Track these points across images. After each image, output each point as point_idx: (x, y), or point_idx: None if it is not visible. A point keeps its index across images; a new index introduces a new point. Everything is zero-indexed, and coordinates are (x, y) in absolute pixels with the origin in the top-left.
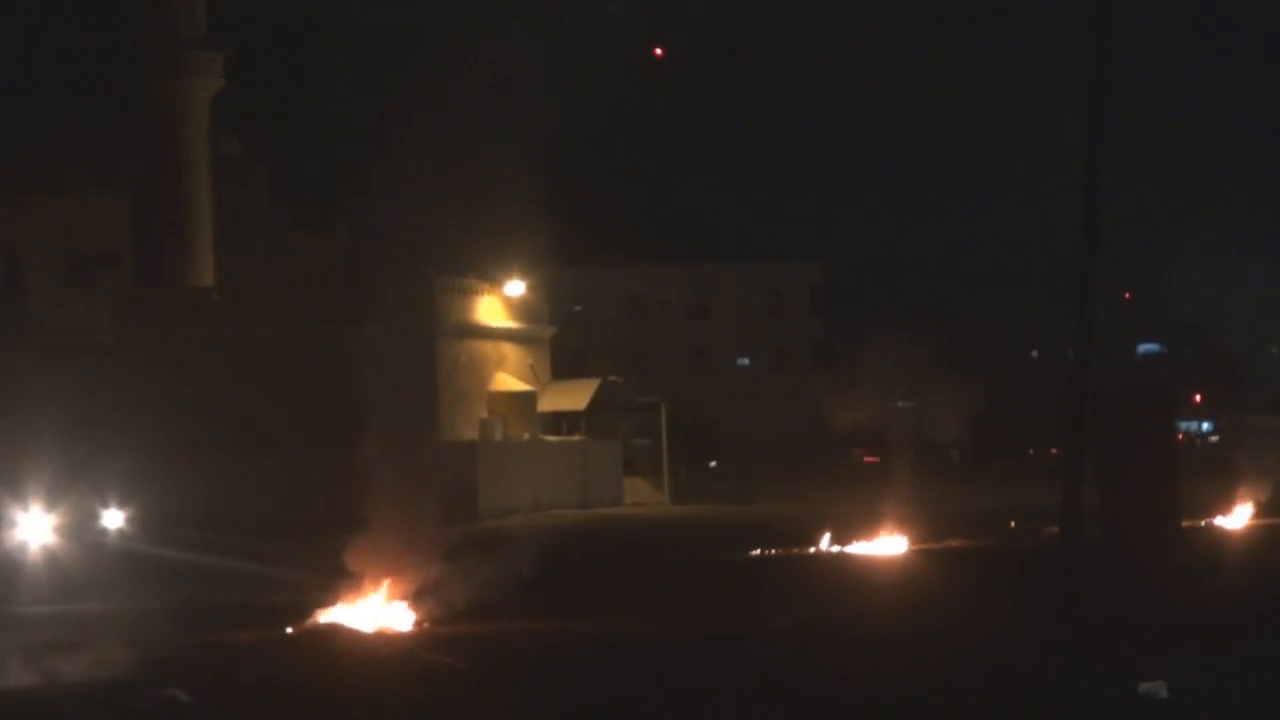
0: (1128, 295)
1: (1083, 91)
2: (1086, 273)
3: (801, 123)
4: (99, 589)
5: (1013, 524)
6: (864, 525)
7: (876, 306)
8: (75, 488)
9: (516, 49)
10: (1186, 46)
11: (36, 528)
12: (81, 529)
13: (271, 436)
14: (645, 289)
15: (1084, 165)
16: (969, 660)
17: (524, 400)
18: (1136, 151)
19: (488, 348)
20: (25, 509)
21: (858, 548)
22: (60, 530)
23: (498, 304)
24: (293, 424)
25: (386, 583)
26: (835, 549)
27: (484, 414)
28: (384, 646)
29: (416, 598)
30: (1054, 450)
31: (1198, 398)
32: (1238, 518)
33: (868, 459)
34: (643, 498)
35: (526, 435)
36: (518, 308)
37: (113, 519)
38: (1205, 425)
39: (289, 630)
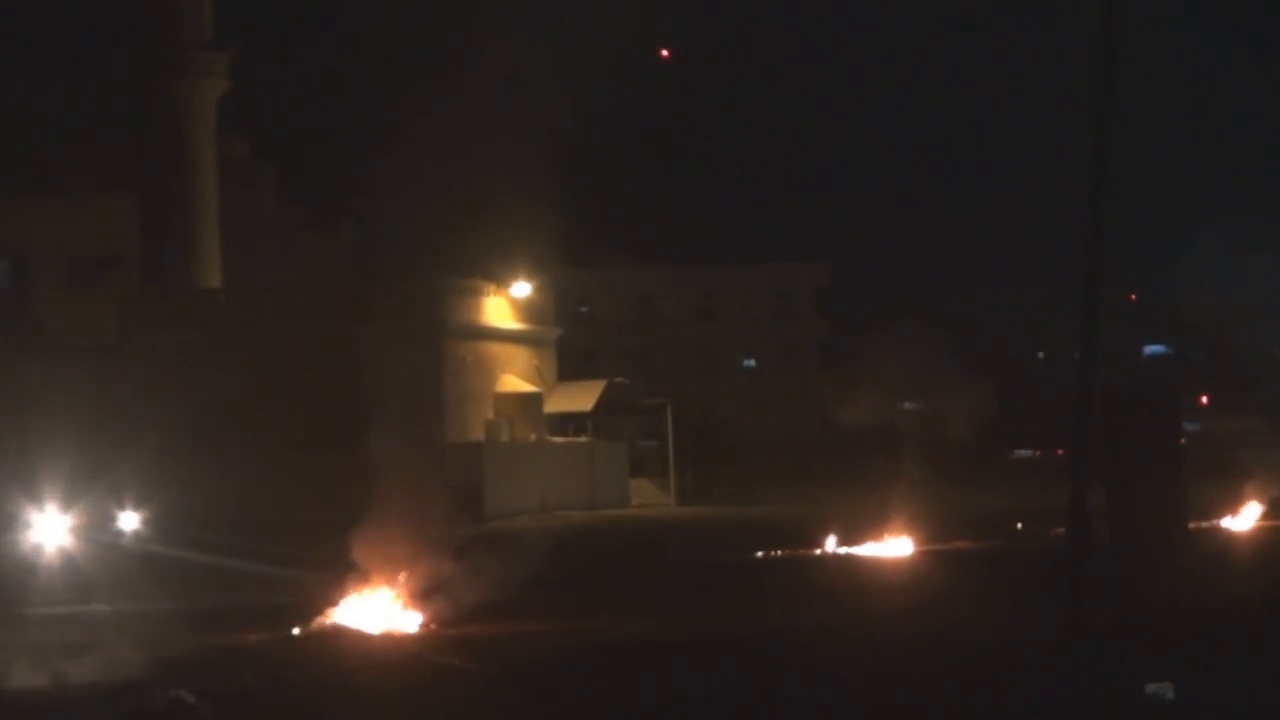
0: (1134, 296)
1: (1088, 92)
2: (1092, 274)
3: (808, 124)
4: (110, 590)
5: (1019, 525)
6: (870, 526)
7: (883, 308)
8: (89, 489)
9: (522, 49)
10: (1194, 42)
11: (52, 529)
12: (97, 530)
13: (277, 438)
14: (652, 290)
15: (1089, 166)
16: (975, 662)
17: (530, 401)
18: (1143, 151)
19: (494, 349)
20: (41, 510)
21: (864, 549)
22: (76, 532)
23: (504, 305)
24: (298, 425)
25: (393, 584)
26: (841, 550)
27: (490, 415)
28: (391, 648)
29: (423, 599)
30: (1060, 451)
31: (1204, 399)
32: (1245, 519)
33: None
34: (649, 499)
35: (533, 436)
36: (524, 309)
37: (128, 521)
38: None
39: (296, 632)
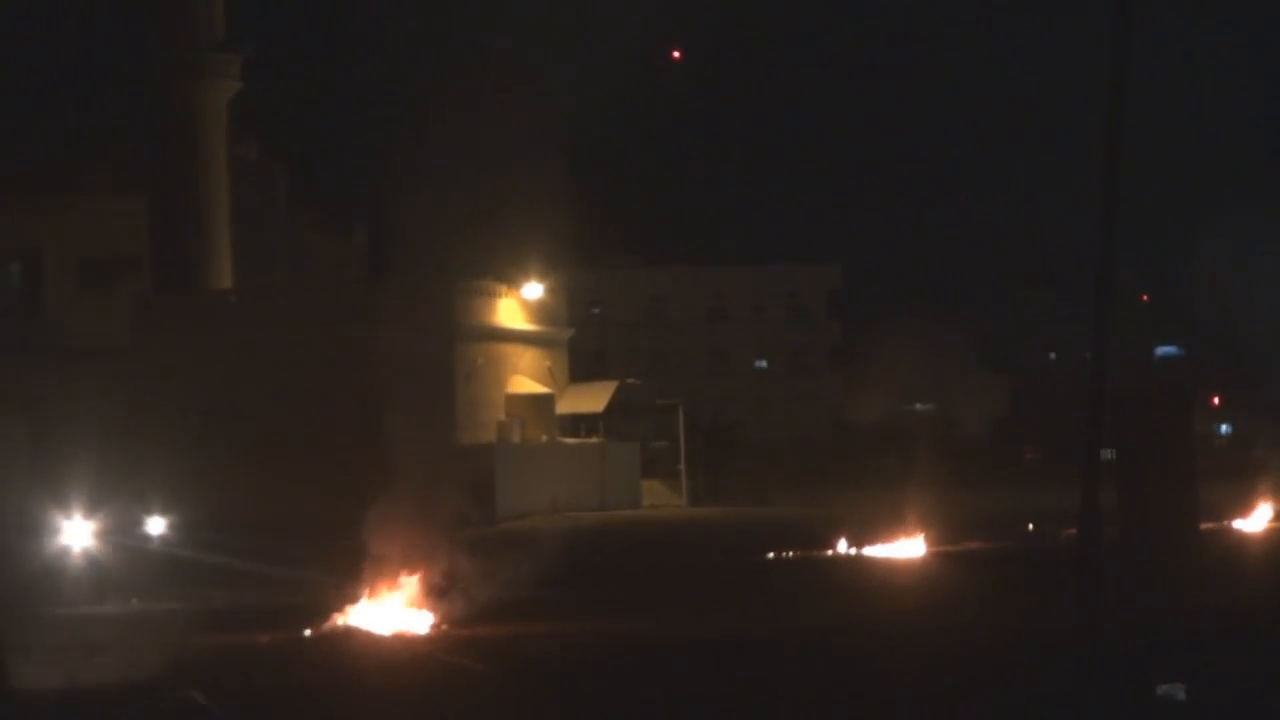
0: (1145, 297)
1: (1101, 91)
2: (1104, 275)
3: (819, 125)
4: (129, 591)
5: (1031, 526)
6: (882, 528)
7: (894, 309)
8: (107, 491)
9: (534, 51)
10: (1207, 38)
11: (75, 532)
12: (121, 534)
13: (288, 439)
14: (664, 292)
15: (1101, 167)
16: (986, 663)
17: (542, 402)
18: (1156, 151)
19: (506, 350)
20: (59, 513)
21: (876, 550)
22: (100, 535)
23: (516, 306)
24: (310, 427)
25: (405, 585)
26: (852, 551)
27: (502, 416)
28: (402, 649)
29: (435, 600)
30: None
31: (1216, 400)
32: (1257, 520)
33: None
34: (660, 500)
35: (544, 437)
36: (536, 310)
37: (154, 524)
38: (1224, 427)
39: (307, 633)
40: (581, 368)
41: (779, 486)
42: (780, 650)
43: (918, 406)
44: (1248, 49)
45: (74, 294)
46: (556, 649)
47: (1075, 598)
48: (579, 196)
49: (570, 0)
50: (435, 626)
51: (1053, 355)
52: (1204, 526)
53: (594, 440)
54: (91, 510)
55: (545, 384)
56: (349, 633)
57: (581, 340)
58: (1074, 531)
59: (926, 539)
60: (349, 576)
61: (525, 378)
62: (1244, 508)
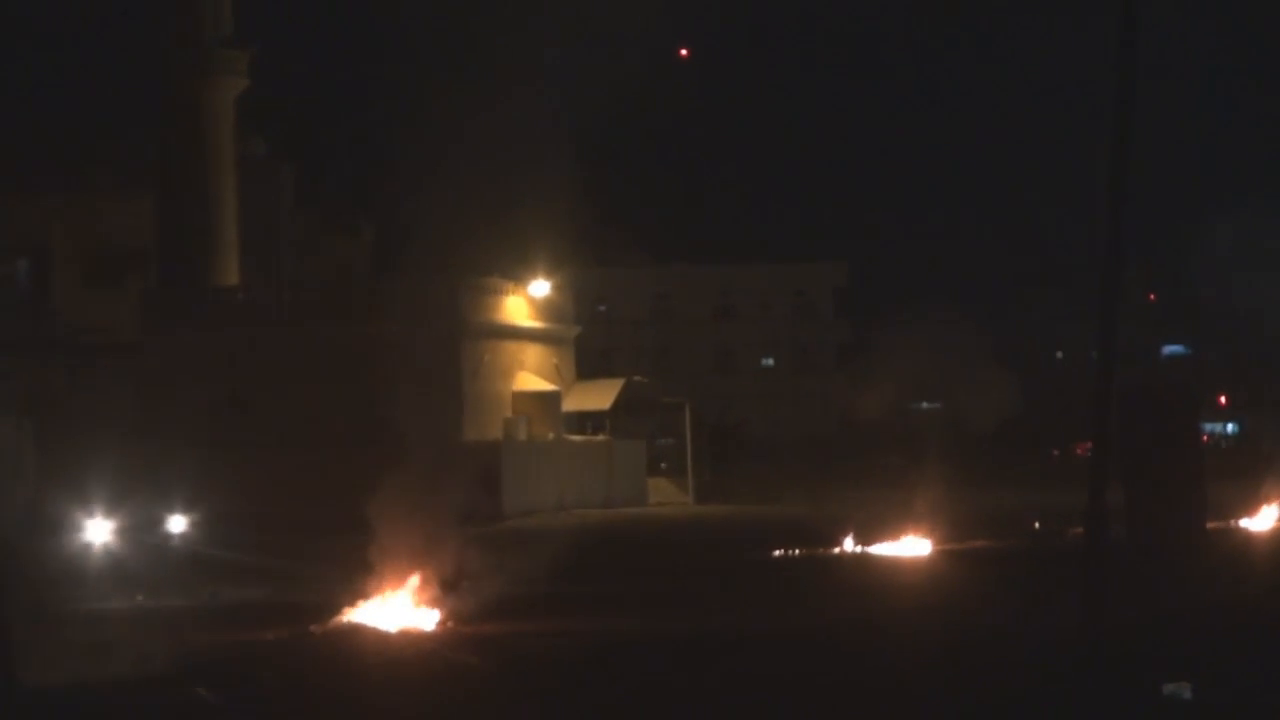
0: (1153, 296)
1: (1109, 90)
2: (1111, 274)
3: (825, 123)
4: (142, 587)
5: (1037, 525)
6: (889, 526)
7: (901, 307)
8: (127, 489)
9: (542, 50)
10: (1214, 39)
11: (99, 530)
12: (143, 531)
13: (295, 436)
14: (670, 289)
15: (1109, 167)
16: (991, 661)
17: (548, 400)
18: (1163, 150)
19: (512, 347)
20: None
21: (882, 548)
22: (122, 532)
23: (522, 304)
24: (317, 423)
25: (410, 582)
26: (859, 549)
27: (508, 413)
28: (408, 646)
29: (441, 597)
30: (1080, 449)
31: (1223, 399)
32: (1264, 519)
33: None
34: (667, 498)
35: (551, 435)
36: (542, 307)
37: (175, 522)
38: (1230, 426)
39: (313, 629)
40: (588, 365)
41: (785, 484)
42: (784, 648)
43: (924, 405)
44: (1258, 47)
45: (81, 290)
46: (562, 647)
47: (1082, 596)
48: (586, 194)
49: None
50: (441, 623)
51: (1059, 354)
52: (1211, 525)
53: (600, 438)
54: (111, 508)
55: (552, 381)
56: (355, 629)
57: (588, 338)
58: (1081, 530)
59: (933, 537)
60: (355, 574)
61: (532, 375)
62: (1251, 506)
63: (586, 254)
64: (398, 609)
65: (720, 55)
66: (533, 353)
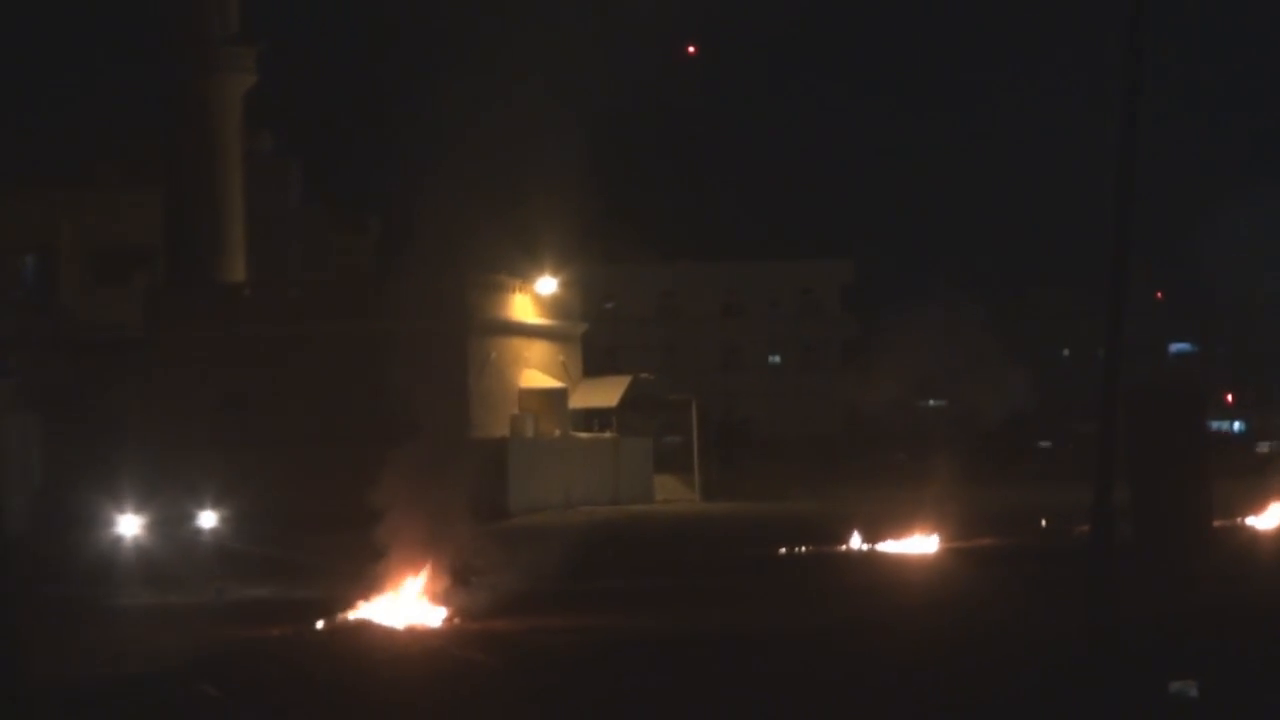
0: (1160, 294)
1: (1117, 87)
2: (1119, 272)
3: (833, 120)
4: (149, 584)
5: (1044, 523)
6: (895, 523)
7: (908, 304)
8: (142, 485)
9: (548, 47)
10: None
11: (129, 525)
12: (172, 526)
13: (301, 432)
14: (677, 287)
15: (1117, 165)
16: (999, 658)
17: (555, 397)
18: (1171, 148)
19: (519, 344)
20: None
21: (889, 546)
22: (150, 528)
23: (529, 301)
24: (324, 421)
25: (417, 579)
26: (865, 547)
27: (515, 411)
28: (414, 643)
29: (447, 594)
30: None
31: (1230, 397)
32: (1270, 517)
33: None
34: (673, 495)
35: (557, 432)
36: (549, 305)
37: (206, 517)
38: (1237, 425)
39: (320, 625)
40: (595, 362)
41: (792, 481)
42: (790, 645)
43: (931, 402)
44: (1269, 43)
45: (88, 287)
46: (568, 643)
47: (1088, 594)
48: (593, 191)
49: None
50: (448, 620)
51: (1066, 351)
52: (1217, 524)
53: (607, 435)
54: (140, 504)
55: (559, 378)
56: (362, 626)
57: (595, 335)
58: (1087, 528)
59: (939, 535)
60: (362, 570)
61: (538, 372)
62: (1257, 505)
63: (593, 251)
64: (405, 605)
65: (728, 52)
66: (539, 350)
